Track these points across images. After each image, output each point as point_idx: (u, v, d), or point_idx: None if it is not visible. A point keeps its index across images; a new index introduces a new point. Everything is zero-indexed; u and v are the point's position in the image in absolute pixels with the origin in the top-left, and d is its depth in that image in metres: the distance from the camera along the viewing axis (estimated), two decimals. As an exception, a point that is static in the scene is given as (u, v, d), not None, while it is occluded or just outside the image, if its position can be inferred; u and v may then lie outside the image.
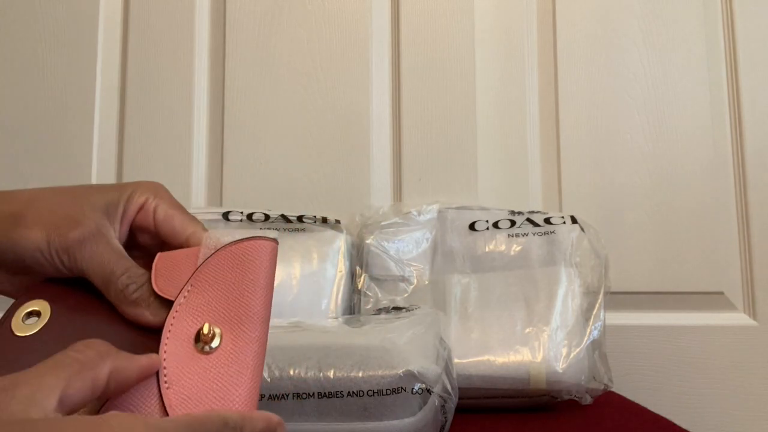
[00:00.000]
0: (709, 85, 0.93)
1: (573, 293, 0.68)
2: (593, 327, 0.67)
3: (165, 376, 0.30)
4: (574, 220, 0.74)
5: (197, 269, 0.33)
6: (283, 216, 0.78)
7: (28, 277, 0.36)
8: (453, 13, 0.95)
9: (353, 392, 0.44)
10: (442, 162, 0.93)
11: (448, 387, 0.48)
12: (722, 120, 0.92)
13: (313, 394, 0.44)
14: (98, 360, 0.28)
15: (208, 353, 0.31)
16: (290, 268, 0.73)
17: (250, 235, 0.34)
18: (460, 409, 0.51)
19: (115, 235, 0.36)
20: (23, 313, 0.33)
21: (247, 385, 0.30)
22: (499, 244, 0.73)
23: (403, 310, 0.65)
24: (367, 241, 0.76)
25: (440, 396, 0.47)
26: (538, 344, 0.65)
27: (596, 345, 0.67)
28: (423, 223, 0.77)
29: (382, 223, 0.77)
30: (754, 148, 0.91)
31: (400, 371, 0.44)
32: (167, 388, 0.30)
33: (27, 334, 0.32)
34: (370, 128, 0.94)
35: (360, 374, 0.44)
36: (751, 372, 0.88)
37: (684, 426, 0.58)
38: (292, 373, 0.45)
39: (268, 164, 0.93)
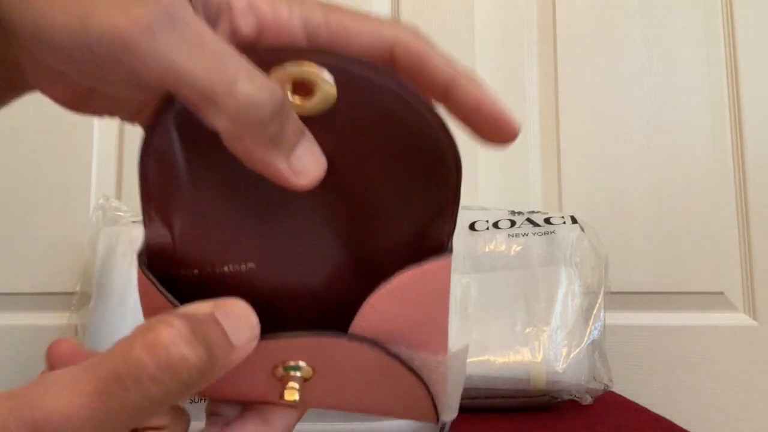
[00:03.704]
0: (709, 85, 0.93)
1: (573, 293, 0.68)
2: (593, 327, 0.67)
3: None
4: (574, 220, 0.74)
5: None
6: (283, 216, 0.77)
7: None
8: (453, 12, 0.95)
9: (353, 392, 0.44)
10: (442, 162, 0.93)
11: (448, 387, 0.48)
12: (722, 120, 0.92)
13: (313, 394, 0.44)
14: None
15: None
16: (290, 268, 0.73)
17: None
18: (460, 409, 0.51)
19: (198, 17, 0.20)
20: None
21: None
22: (499, 244, 0.73)
23: (403, 310, 0.65)
24: (367, 241, 0.75)
25: (440, 396, 0.47)
26: (538, 344, 0.65)
27: (596, 345, 0.67)
28: (423, 223, 0.77)
29: (382, 223, 0.77)
30: (754, 148, 0.91)
31: (400, 371, 0.44)
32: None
33: None
34: (370, 128, 0.94)
35: (360, 374, 0.44)
36: (751, 372, 0.88)
37: (684, 426, 0.58)
38: (292, 373, 0.44)
39: (268, 164, 0.93)
